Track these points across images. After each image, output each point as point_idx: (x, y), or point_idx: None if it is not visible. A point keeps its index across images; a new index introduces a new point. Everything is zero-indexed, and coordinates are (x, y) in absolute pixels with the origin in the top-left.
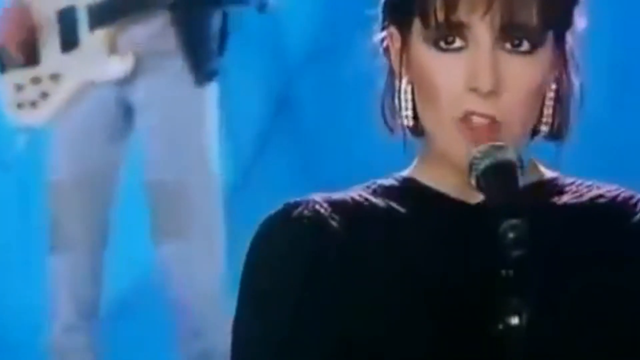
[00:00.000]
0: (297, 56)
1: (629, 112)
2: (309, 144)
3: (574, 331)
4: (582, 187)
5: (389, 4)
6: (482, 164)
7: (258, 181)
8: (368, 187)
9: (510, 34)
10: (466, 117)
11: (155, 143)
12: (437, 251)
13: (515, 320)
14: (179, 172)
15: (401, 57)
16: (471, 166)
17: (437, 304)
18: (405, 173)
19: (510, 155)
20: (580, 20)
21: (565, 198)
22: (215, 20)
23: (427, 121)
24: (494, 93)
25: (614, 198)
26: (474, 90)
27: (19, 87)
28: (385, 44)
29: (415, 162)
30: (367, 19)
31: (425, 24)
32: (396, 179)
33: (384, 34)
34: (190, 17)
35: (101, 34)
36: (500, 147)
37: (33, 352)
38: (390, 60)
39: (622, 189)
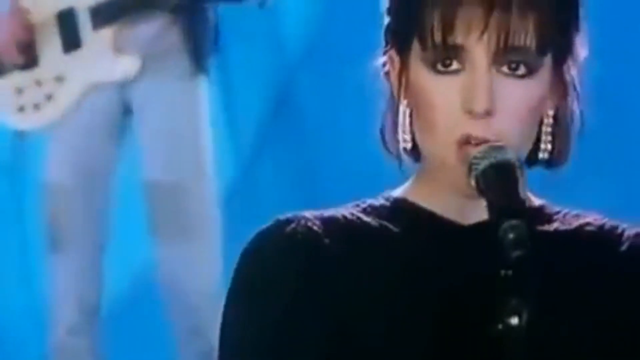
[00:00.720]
0: (296, 55)
1: (623, 119)
2: (308, 144)
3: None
4: (569, 216)
5: (389, 28)
6: (482, 164)
7: (256, 181)
8: (357, 205)
9: (507, 57)
10: (463, 141)
11: (153, 143)
12: (433, 271)
13: (515, 321)
14: (177, 172)
15: (400, 80)
16: (470, 166)
17: (435, 322)
18: (396, 194)
19: (509, 155)
20: (582, 50)
21: (555, 225)
22: (211, 17)
23: (424, 144)
24: (489, 115)
25: (601, 227)
26: (469, 112)
27: (20, 90)
28: (386, 68)
29: (409, 183)
30: (367, 18)
31: (423, 45)
32: (386, 199)
33: (384, 58)
34: (192, 14)
35: (106, 33)
36: (499, 148)
37: (32, 354)
38: (391, 84)
39: (607, 219)
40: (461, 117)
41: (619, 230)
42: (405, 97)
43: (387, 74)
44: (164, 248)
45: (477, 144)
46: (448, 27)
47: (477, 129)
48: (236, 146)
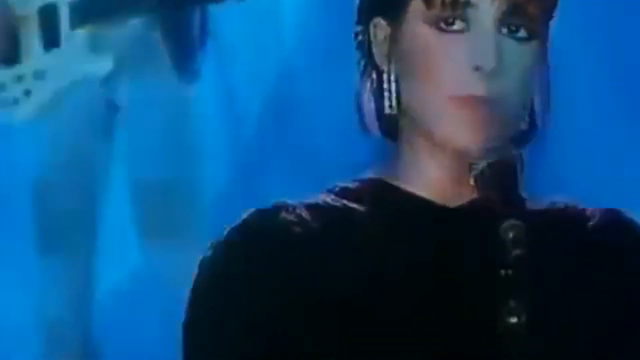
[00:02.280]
0: (296, 53)
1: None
2: (307, 144)
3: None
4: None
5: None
6: (481, 164)
7: (255, 181)
8: (330, 191)
9: (511, 19)
10: (465, 98)
11: (141, 142)
12: (430, 258)
13: (514, 320)
14: (163, 171)
15: (390, 44)
16: (470, 166)
17: (432, 309)
18: (370, 176)
19: (510, 154)
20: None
21: (528, 204)
22: (196, 18)
23: (418, 104)
24: (495, 73)
25: (566, 205)
26: (476, 69)
27: (2, 86)
28: (359, 38)
29: (385, 165)
30: None
31: (429, 3)
32: (362, 182)
33: (359, 28)
34: (173, 16)
35: (83, 33)
36: (500, 147)
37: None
38: (366, 55)
39: (565, 199)
40: (465, 75)
41: (579, 208)
42: (395, 63)
43: (360, 45)
44: (153, 247)
45: (476, 106)
46: None
47: (481, 88)
48: (234, 146)
